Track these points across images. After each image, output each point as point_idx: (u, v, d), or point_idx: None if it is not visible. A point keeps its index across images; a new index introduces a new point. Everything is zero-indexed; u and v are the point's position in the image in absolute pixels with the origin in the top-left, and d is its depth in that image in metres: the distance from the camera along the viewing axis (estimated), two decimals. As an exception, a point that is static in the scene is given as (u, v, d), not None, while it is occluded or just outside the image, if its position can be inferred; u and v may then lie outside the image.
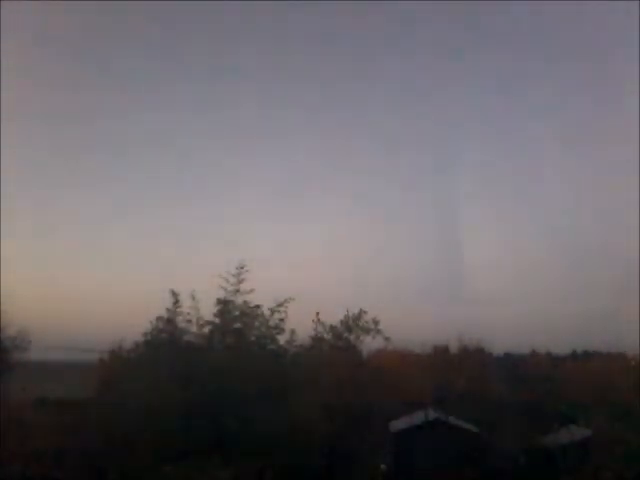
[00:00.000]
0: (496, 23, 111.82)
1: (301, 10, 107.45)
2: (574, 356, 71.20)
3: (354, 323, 20.89)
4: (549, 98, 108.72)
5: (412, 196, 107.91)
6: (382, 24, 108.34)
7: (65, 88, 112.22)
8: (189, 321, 20.44)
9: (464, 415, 38.12)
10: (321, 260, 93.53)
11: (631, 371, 50.36)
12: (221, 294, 20.18)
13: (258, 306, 20.36)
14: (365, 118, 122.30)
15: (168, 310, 20.60)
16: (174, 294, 20.65)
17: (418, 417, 35.71)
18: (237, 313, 20.29)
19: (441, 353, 55.63)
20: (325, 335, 21.13)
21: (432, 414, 35.18)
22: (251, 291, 20.34)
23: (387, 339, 21.59)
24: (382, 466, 33.21)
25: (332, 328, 21.01)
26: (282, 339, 20.76)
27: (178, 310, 20.56)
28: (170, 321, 20.62)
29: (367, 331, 20.88)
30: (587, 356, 66.52)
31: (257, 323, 20.49)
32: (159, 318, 20.74)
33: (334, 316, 20.87)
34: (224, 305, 20.18)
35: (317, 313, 21.38)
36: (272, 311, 20.23)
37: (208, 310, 20.33)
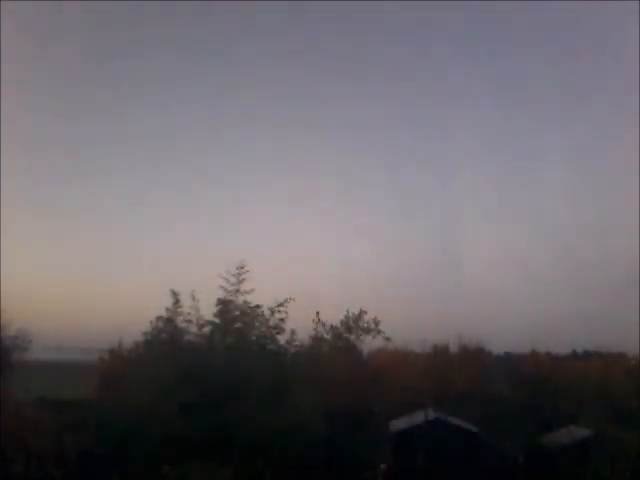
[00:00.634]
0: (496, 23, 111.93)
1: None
2: (574, 356, 71.27)
3: (354, 323, 20.82)
4: (549, 98, 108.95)
5: (412, 196, 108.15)
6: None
7: (65, 88, 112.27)
8: (189, 321, 20.39)
9: (464, 415, 38.17)
10: (321, 260, 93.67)
11: (631, 371, 50.42)
12: (221, 294, 20.16)
13: (258, 306, 20.31)
14: (365, 118, 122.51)
15: (168, 310, 20.55)
16: (174, 294, 20.60)
17: (418, 417, 35.67)
18: (237, 313, 20.25)
19: (441, 353, 55.62)
20: (325, 335, 21.05)
21: (432, 414, 35.15)
22: (251, 291, 20.31)
23: (388, 339, 21.52)
24: (382, 466, 33.24)
25: (332, 328, 20.94)
26: (282, 339, 20.72)
27: (178, 310, 20.50)
28: (170, 321, 20.57)
29: (367, 331, 20.80)
30: (587, 356, 66.51)
31: (257, 323, 20.45)
32: (159, 318, 20.69)
33: (334, 316, 20.85)
34: (224, 305, 20.13)
35: (317, 313, 21.29)
36: (272, 311, 20.19)
37: (208, 310, 20.29)
